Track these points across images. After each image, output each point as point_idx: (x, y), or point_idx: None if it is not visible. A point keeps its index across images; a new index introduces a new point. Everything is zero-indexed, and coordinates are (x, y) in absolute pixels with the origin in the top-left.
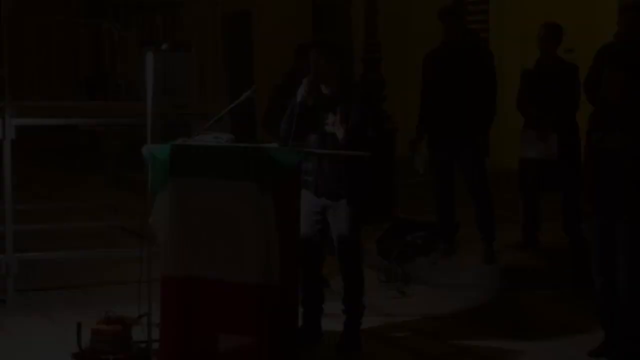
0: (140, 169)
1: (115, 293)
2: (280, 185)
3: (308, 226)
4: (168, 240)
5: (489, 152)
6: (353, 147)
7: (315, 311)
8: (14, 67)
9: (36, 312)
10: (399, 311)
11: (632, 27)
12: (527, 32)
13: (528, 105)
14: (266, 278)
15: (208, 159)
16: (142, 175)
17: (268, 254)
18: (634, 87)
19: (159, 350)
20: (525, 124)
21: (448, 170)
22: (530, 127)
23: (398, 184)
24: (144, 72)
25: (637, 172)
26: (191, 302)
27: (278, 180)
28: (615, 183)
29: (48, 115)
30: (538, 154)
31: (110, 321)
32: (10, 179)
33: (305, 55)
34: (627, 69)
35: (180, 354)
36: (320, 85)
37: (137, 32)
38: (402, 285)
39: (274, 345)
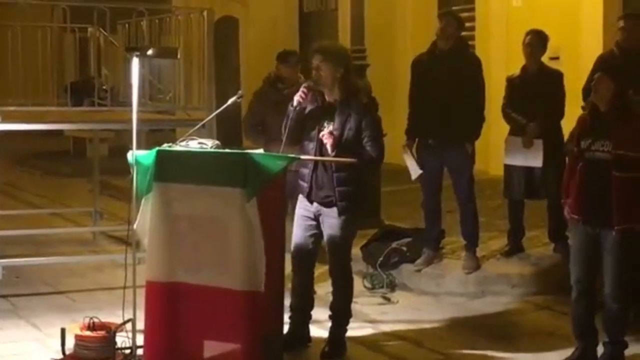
0: (125, 175)
1: (99, 299)
2: (265, 191)
3: (302, 231)
4: (153, 246)
5: (474, 159)
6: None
7: (303, 317)
8: None
9: (20, 318)
10: (384, 318)
11: (630, 36)
12: (512, 39)
13: (513, 112)
14: (251, 284)
15: (193, 165)
16: (127, 181)
17: (253, 259)
18: (624, 95)
19: (144, 357)
20: (510, 131)
21: (436, 177)
22: (515, 134)
23: (384, 191)
24: (130, 77)
25: (625, 180)
26: (176, 308)
27: (263, 186)
28: (603, 191)
29: (33, 120)
30: (523, 161)
31: (94, 327)
32: None
33: (284, 61)
34: (618, 77)
35: None
36: (324, 91)
37: (123, 38)
38: (387, 291)
39: (259, 352)
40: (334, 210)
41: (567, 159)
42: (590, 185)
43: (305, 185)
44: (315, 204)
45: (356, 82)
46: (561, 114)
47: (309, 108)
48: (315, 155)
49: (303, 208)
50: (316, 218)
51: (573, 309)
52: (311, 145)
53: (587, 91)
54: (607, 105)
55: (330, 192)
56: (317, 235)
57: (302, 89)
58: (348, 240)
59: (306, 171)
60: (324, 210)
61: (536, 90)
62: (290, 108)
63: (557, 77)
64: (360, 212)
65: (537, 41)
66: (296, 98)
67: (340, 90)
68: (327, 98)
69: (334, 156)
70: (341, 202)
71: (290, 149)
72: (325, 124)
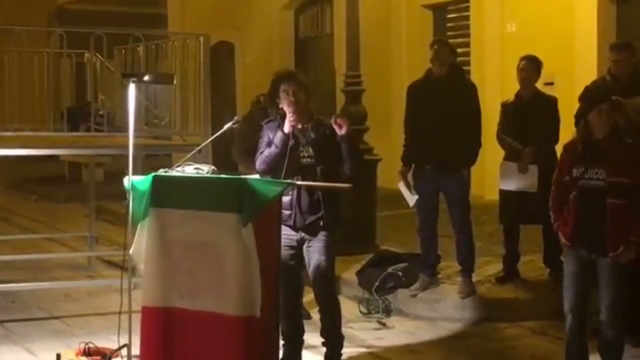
0: (121, 200)
1: (95, 324)
2: (261, 216)
3: (285, 258)
4: (148, 271)
5: (470, 184)
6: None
7: (295, 343)
8: None
9: (15, 343)
10: (380, 343)
11: (619, 66)
12: (507, 65)
13: (508, 137)
14: (247, 309)
15: (189, 190)
16: (122, 206)
17: (249, 285)
18: (618, 124)
19: None
20: (505, 156)
21: (432, 202)
22: (510, 159)
23: (380, 215)
24: (126, 102)
25: (619, 207)
26: (171, 333)
27: (259, 212)
28: (597, 218)
29: (29, 145)
30: (518, 186)
31: (89, 352)
32: None
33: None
34: (613, 106)
35: None
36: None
37: (119, 63)
38: (383, 316)
39: None
40: (321, 234)
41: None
42: (584, 212)
43: (288, 212)
44: (299, 232)
45: (312, 108)
46: (556, 140)
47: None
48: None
49: (286, 237)
50: (299, 245)
51: (567, 337)
52: (294, 173)
53: (579, 117)
54: (603, 134)
55: (315, 217)
56: (300, 263)
57: (292, 115)
58: (333, 263)
59: (288, 199)
60: (309, 236)
61: (531, 116)
62: (281, 135)
63: (551, 103)
64: (341, 235)
65: (531, 67)
66: (289, 123)
67: (307, 115)
68: (298, 125)
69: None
70: (328, 225)
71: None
72: (302, 150)
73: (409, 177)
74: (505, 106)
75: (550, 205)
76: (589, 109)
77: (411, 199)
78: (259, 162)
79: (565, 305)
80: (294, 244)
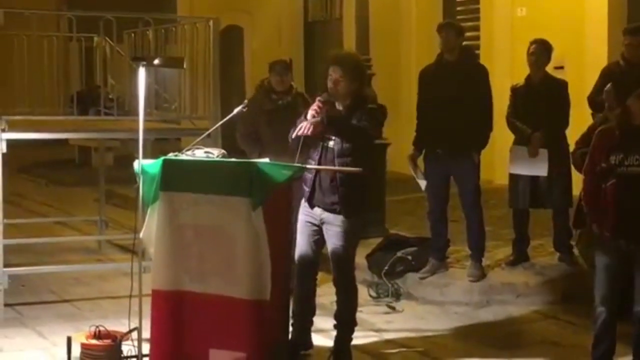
0: (130, 184)
1: (105, 307)
2: (271, 200)
3: (305, 237)
4: (158, 254)
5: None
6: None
7: (305, 324)
8: (5, 81)
9: (26, 326)
10: (389, 327)
11: (634, 51)
12: (516, 49)
13: (517, 121)
14: (257, 292)
15: (199, 174)
16: (132, 190)
17: (259, 269)
18: None
19: None
20: (514, 141)
21: (443, 186)
22: (520, 144)
23: (389, 200)
24: (136, 86)
25: None
26: (181, 316)
27: (269, 196)
28: (639, 205)
29: (39, 129)
30: (528, 171)
31: (100, 336)
32: (1, 193)
33: (271, 70)
34: (623, 89)
35: None
36: (335, 102)
37: (129, 47)
38: (392, 300)
39: None
40: (339, 218)
41: (574, 166)
42: (624, 200)
43: (307, 190)
44: (318, 209)
45: (367, 92)
46: (566, 123)
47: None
48: (319, 162)
49: (305, 214)
50: (319, 225)
51: (597, 331)
52: (316, 153)
53: (593, 100)
54: None
55: (334, 198)
56: (320, 241)
57: (317, 103)
58: (352, 248)
59: (309, 176)
60: (328, 217)
61: (541, 100)
62: (303, 118)
63: (561, 87)
64: (363, 219)
65: (541, 50)
66: (311, 112)
67: (351, 100)
68: (336, 106)
69: (339, 164)
70: (346, 209)
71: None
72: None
73: (419, 161)
74: (515, 90)
75: (582, 194)
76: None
77: (423, 183)
78: (290, 138)
79: (596, 297)
80: (314, 221)
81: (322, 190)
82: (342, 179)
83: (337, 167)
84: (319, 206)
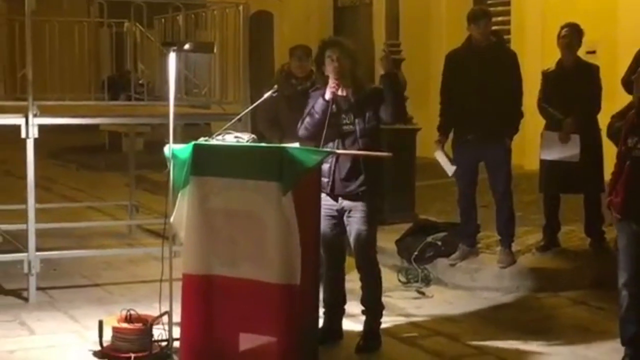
0: (160, 169)
1: (136, 292)
2: (301, 185)
3: (328, 229)
4: (189, 239)
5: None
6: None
7: (336, 311)
8: (36, 67)
9: (58, 310)
10: (419, 312)
11: None
12: (548, 33)
13: (549, 106)
14: (287, 277)
15: (229, 159)
16: (162, 175)
17: (289, 253)
18: None
19: (180, 349)
20: (545, 126)
21: (472, 173)
22: (551, 129)
23: (419, 185)
24: (166, 72)
25: None
26: (212, 301)
27: (299, 180)
28: None
29: (70, 114)
30: (560, 156)
31: (131, 319)
32: (32, 178)
33: (291, 55)
34: None
35: (201, 353)
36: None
37: (159, 33)
38: (422, 285)
39: (294, 345)
40: (360, 203)
41: (608, 138)
42: (634, 183)
43: (326, 180)
44: (339, 199)
45: (361, 76)
46: (598, 109)
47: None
48: (337, 149)
49: (326, 207)
50: (340, 215)
51: (622, 313)
52: (332, 142)
53: (627, 82)
54: None
55: (355, 184)
56: (342, 231)
57: (333, 81)
58: (374, 232)
59: (327, 166)
60: (349, 204)
61: (572, 85)
62: (322, 102)
63: (593, 71)
64: (381, 202)
65: (573, 34)
66: (330, 91)
67: (353, 83)
68: (340, 92)
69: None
70: (368, 194)
71: (315, 144)
72: (344, 117)
73: (446, 147)
74: (546, 75)
75: (612, 177)
76: None
77: (450, 169)
78: (301, 129)
79: (619, 279)
80: (335, 213)
81: (341, 179)
82: (365, 163)
83: (367, 152)
84: (340, 194)
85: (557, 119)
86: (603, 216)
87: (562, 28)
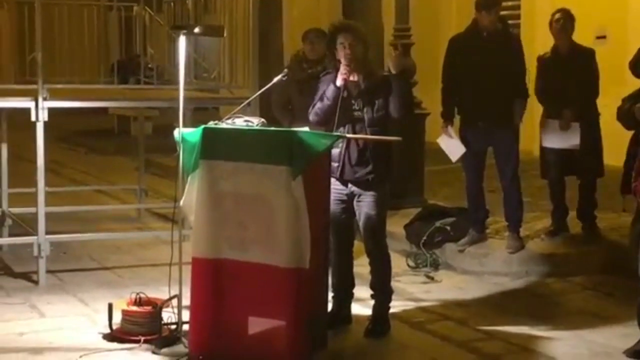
0: (169, 153)
1: (145, 275)
2: (311, 169)
3: (338, 213)
4: (199, 222)
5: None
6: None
7: (345, 296)
8: (46, 50)
9: (68, 293)
10: (427, 297)
11: None
12: None
13: (547, 94)
14: (296, 261)
15: (239, 143)
16: (170, 159)
17: (298, 237)
18: None
19: (189, 332)
20: (545, 114)
21: (481, 159)
22: (550, 117)
23: (428, 170)
24: (175, 55)
25: None
26: (221, 284)
27: (308, 165)
28: None
29: (80, 98)
30: (560, 144)
31: (141, 302)
32: (42, 161)
33: (303, 38)
34: None
35: (210, 336)
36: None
37: (168, 16)
38: (431, 270)
39: (303, 329)
40: (370, 189)
41: (619, 120)
42: None
43: (336, 165)
44: (349, 184)
45: (372, 61)
46: (596, 94)
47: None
48: (347, 133)
49: (336, 192)
50: (350, 200)
51: (639, 300)
52: (343, 127)
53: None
54: None
55: (365, 170)
56: (351, 216)
57: (344, 67)
58: (383, 217)
59: (337, 151)
60: (359, 190)
61: (569, 70)
62: (333, 88)
63: (589, 56)
64: (390, 187)
65: (566, 18)
66: (341, 76)
67: (365, 70)
68: (352, 77)
69: (371, 132)
70: (377, 179)
71: (326, 129)
72: (354, 103)
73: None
74: (542, 60)
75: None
76: None
77: (455, 153)
78: (311, 115)
79: (639, 266)
80: (344, 197)
81: (351, 164)
82: (375, 149)
83: (377, 137)
84: (350, 180)
85: (556, 109)
86: (596, 201)
87: (554, 13)
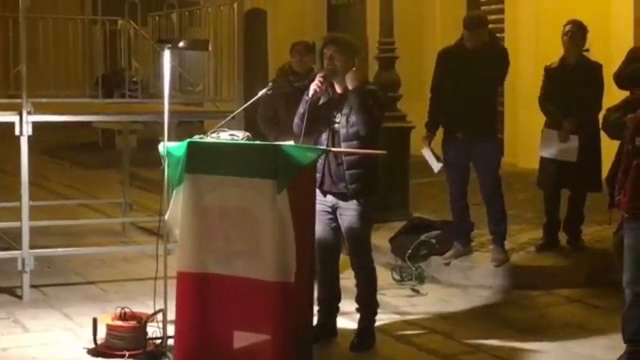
0: (154, 167)
1: (130, 289)
2: (296, 182)
3: (322, 225)
4: (184, 236)
5: (503, 151)
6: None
7: (331, 309)
8: (30, 64)
9: (52, 307)
10: (413, 310)
11: None
12: (542, 30)
13: (550, 104)
14: (281, 275)
15: (224, 157)
16: (155, 173)
17: (283, 250)
18: None
19: (174, 346)
20: (546, 123)
21: (463, 172)
22: (552, 127)
23: (413, 183)
24: (160, 69)
25: None
26: (206, 298)
27: (294, 178)
28: None
29: (64, 112)
30: (558, 155)
31: (125, 317)
32: (26, 175)
33: (291, 51)
34: None
35: (195, 351)
36: (335, 82)
37: (153, 30)
38: (416, 283)
39: (288, 343)
40: (352, 202)
41: (604, 130)
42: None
43: (319, 176)
44: (330, 196)
45: (365, 74)
46: (598, 108)
47: (321, 100)
48: (327, 146)
49: (320, 203)
50: (333, 211)
51: (625, 311)
52: (324, 137)
53: (619, 76)
54: None
55: (343, 183)
56: (337, 226)
57: (318, 78)
58: (367, 230)
59: (320, 162)
60: (340, 203)
61: (576, 82)
62: (306, 98)
63: (596, 69)
64: (375, 200)
65: (577, 31)
66: (313, 87)
67: (353, 78)
68: (336, 89)
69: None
70: (355, 192)
71: (307, 140)
72: (336, 114)
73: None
74: (549, 71)
75: (619, 176)
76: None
77: (436, 165)
78: (294, 125)
79: (624, 278)
80: (328, 209)
81: (331, 177)
82: (349, 162)
83: (362, 150)
84: (330, 192)
85: (557, 119)
86: (584, 215)
87: (565, 24)
